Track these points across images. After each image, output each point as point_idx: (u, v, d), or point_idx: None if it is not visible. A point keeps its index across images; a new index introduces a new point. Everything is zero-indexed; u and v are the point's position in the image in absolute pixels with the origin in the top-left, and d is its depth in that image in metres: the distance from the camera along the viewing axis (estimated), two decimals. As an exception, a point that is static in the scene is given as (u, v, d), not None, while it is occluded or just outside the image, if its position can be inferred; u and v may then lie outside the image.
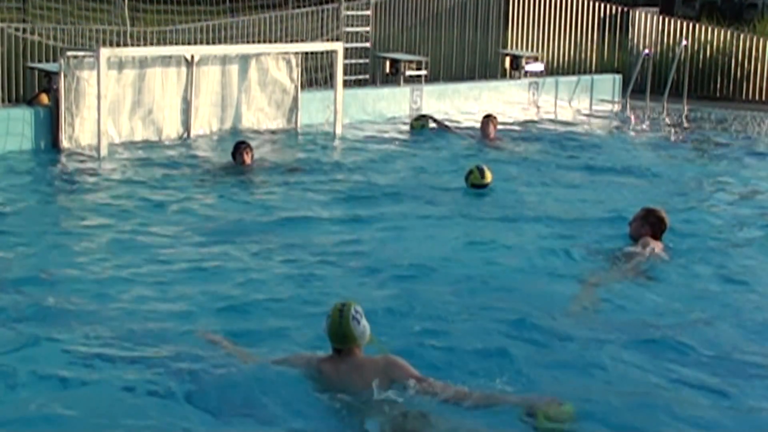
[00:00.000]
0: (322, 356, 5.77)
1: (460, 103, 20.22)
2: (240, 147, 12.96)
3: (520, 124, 18.76)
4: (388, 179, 12.78)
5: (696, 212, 11.26)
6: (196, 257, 8.71)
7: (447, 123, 17.20)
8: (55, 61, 14.63)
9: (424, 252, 9.03)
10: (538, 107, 21.41)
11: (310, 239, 9.46)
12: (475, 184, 11.81)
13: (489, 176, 11.78)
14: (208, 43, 17.43)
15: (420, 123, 17.02)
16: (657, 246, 8.92)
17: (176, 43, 16.83)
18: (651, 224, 9.01)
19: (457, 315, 7.19)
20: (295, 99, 17.02)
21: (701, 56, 24.62)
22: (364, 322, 5.58)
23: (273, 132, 16.42)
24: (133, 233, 9.52)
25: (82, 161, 13.40)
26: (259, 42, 17.88)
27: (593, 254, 8.99)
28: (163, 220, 10.14)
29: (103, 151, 13.64)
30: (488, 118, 16.17)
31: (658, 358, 6.48)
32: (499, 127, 16.34)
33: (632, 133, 18.75)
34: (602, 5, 24.97)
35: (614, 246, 9.19)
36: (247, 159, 12.84)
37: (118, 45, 16.04)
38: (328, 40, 18.61)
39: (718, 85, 24.76)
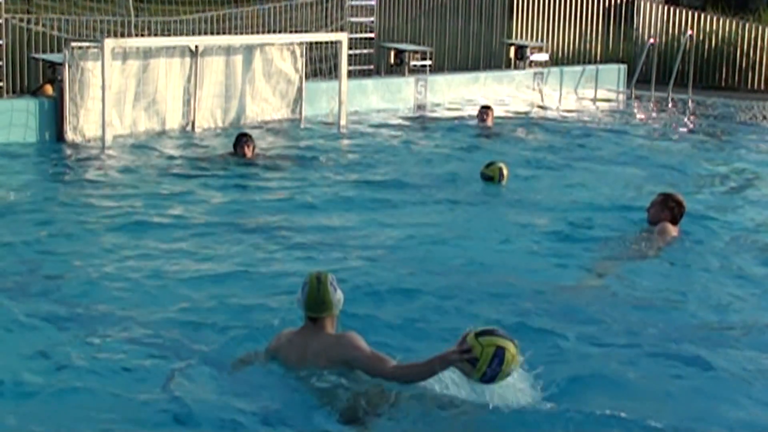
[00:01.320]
0: (292, 329, 5.76)
1: (464, 93, 20.20)
2: (241, 140, 12.96)
3: (524, 114, 18.75)
4: (392, 169, 12.79)
5: (704, 199, 11.25)
6: (197, 247, 8.71)
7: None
8: (59, 52, 14.64)
9: (429, 239, 9.05)
10: (542, 97, 21.39)
11: (312, 229, 9.46)
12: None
13: (505, 184, 11.64)
14: (212, 33, 17.41)
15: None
16: (674, 231, 8.95)
17: (180, 34, 16.82)
18: (670, 209, 9.01)
19: (461, 301, 7.22)
20: (300, 90, 17.02)
21: (706, 46, 24.58)
22: (339, 290, 5.61)
23: (277, 123, 16.42)
24: (135, 224, 9.51)
25: (86, 152, 13.41)
26: (263, 32, 17.85)
27: (608, 240, 9.01)
28: (164, 211, 10.13)
29: (108, 142, 13.67)
30: (486, 109, 16.31)
31: (675, 342, 6.49)
32: (506, 116, 16.34)
33: (637, 123, 18.72)
34: (607, -5, 24.99)
35: (629, 232, 9.22)
36: (248, 151, 12.84)
37: (122, 36, 16.03)
38: (332, 30, 18.58)
39: (723, 75, 24.73)
